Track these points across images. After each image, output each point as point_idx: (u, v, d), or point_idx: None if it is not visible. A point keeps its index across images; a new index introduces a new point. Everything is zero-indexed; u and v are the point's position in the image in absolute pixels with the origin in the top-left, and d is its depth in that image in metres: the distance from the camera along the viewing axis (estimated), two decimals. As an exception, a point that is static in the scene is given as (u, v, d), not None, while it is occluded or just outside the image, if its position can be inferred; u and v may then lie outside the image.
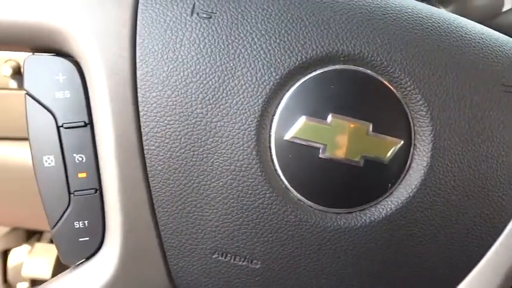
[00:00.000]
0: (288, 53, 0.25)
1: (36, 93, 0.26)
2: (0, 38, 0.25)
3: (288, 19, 0.26)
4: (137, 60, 0.25)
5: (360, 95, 0.26)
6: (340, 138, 0.25)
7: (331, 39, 0.25)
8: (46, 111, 0.26)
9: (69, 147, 0.26)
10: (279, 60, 0.25)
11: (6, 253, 0.93)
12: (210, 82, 0.25)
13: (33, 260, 0.89)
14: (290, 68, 0.25)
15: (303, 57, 0.25)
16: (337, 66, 0.26)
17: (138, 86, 0.25)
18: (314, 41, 0.25)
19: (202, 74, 0.25)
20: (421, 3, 0.29)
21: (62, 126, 0.26)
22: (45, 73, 0.26)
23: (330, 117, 0.25)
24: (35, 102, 0.26)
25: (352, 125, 0.25)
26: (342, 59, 0.26)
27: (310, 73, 0.25)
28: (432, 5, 0.31)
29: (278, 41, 0.25)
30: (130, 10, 0.25)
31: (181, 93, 0.25)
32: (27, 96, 0.26)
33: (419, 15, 0.27)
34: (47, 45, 0.26)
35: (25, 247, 0.93)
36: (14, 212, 0.76)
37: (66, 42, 0.25)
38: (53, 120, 0.26)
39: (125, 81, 0.25)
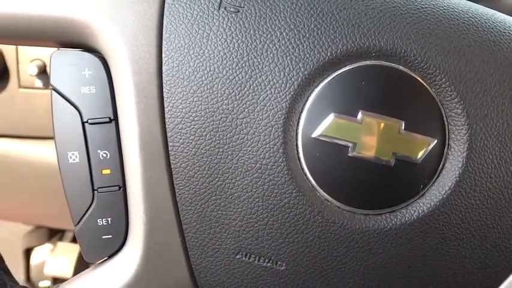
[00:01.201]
0: (317, 48, 0.24)
1: (62, 88, 0.26)
2: (27, 32, 0.25)
3: (317, 13, 0.25)
4: (163, 55, 0.25)
5: (391, 92, 0.25)
6: (370, 136, 0.24)
7: (363, 33, 0.25)
8: (71, 106, 0.26)
9: (93, 143, 0.26)
10: (307, 55, 0.24)
11: (29, 251, 0.94)
12: (237, 78, 0.25)
13: (55, 258, 0.90)
14: (319, 63, 0.24)
15: (333, 52, 0.24)
16: (368, 62, 0.25)
17: (164, 81, 0.25)
18: (344, 36, 0.25)
19: (229, 69, 0.25)
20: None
21: (87, 122, 0.25)
22: (71, 68, 0.26)
23: (360, 115, 0.24)
24: (60, 97, 0.26)
25: (383, 123, 0.24)
26: (374, 54, 0.25)
27: (340, 69, 0.25)
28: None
29: (307, 35, 0.25)
30: (157, 4, 0.25)
31: (207, 89, 0.25)
32: (53, 92, 0.26)
33: (455, 10, 0.26)
34: (73, 40, 0.26)
35: (47, 246, 0.94)
36: (36, 210, 0.77)
37: (93, 36, 0.25)
38: (78, 116, 0.26)
39: (150, 77, 0.25)
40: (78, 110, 0.26)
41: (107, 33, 0.25)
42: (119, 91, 0.25)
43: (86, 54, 0.26)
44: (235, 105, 0.25)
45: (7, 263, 0.31)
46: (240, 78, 0.25)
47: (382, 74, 0.25)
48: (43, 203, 0.70)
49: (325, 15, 0.25)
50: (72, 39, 0.26)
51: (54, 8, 0.25)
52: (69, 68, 0.26)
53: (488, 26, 0.26)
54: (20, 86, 0.58)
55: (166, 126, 0.25)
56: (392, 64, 0.25)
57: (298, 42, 0.25)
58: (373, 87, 0.25)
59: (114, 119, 0.26)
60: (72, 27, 0.25)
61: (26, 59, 0.57)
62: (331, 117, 0.24)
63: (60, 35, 0.25)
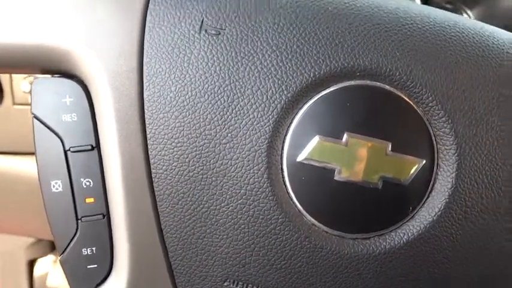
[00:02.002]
0: (300, 69, 0.24)
1: (43, 116, 0.25)
2: (6, 61, 0.25)
3: (300, 33, 0.24)
4: (144, 81, 0.24)
5: (377, 112, 0.24)
6: (356, 158, 0.24)
7: (346, 53, 0.24)
8: (53, 134, 0.25)
9: (76, 172, 0.25)
10: (290, 77, 0.24)
11: (32, 263, 0.95)
12: (219, 102, 0.24)
13: (57, 270, 0.90)
14: (302, 85, 0.24)
15: (316, 73, 0.24)
16: (352, 82, 0.24)
17: (146, 107, 0.24)
18: (328, 56, 0.24)
19: (211, 93, 0.24)
20: (443, 11, 0.27)
21: (69, 150, 0.25)
22: (52, 96, 0.25)
23: (345, 137, 0.24)
24: (42, 125, 0.25)
25: (369, 145, 0.24)
26: (358, 74, 0.24)
27: (323, 90, 0.24)
28: (457, 8, 0.29)
29: (290, 56, 0.24)
30: (137, 29, 0.25)
31: (189, 114, 0.24)
32: (35, 120, 0.25)
33: (442, 25, 0.25)
34: (54, 66, 0.25)
35: (50, 257, 0.94)
36: (38, 223, 0.77)
37: (73, 63, 0.25)
38: (61, 144, 0.25)
39: (131, 103, 0.24)
40: (60, 138, 0.25)
41: (86, 59, 0.24)
42: (100, 118, 0.25)
43: (66, 81, 0.25)
44: (218, 130, 0.24)
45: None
46: (222, 102, 0.24)
47: (367, 94, 0.24)
48: (42, 218, 0.70)
49: (307, 35, 0.24)
50: (52, 65, 0.25)
51: (33, 36, 0.25)
52: (49, 95, 0.25)
53: (476, 40, 0.25)
54: (14, 103, 0.58)
55: (149, 153, 0.25)
56: (378, 83, 0.24)
57: (280, 64, 0.24)
58: (358, 108, 0.24)
59: (97, 146, 0.25)
60: (52, 54, 0.25)
61: (19, 76, 0.56)
62: (315, 139, 0.24)
63: (40, 62, 0.25)
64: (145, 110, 0.24)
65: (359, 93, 0.24)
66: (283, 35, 0.24)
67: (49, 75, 0.26)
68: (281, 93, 0.24)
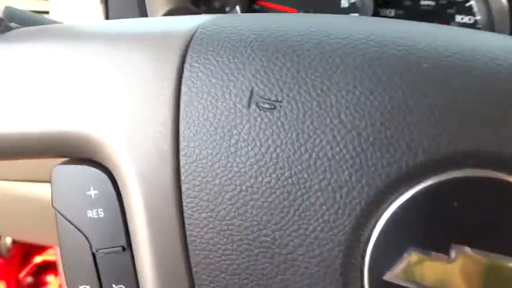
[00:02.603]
0: (386, 156, 0.17)
1: (66, 212, 0.21)
2: (25, 150, 0.21)
3: (385, 105, 0.18)
4: (181, 170, 0.19)
5: (499, 215, 0.17)
6: (468, 280, 0.17)
7: (454, 132, 0.17)
8: (79, 232, 0.21)
9: (106, 276, 0.21)
10: (373, 168, 0.18)
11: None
12: (277, 200, 0.18)
13: None
14: (390, 179, 0.17)
15: (409, 161, 0.17)
16: (462, 173, 0.17)
17: (184, 204, 0.19)
18: (426, 137, 0.17)
19: (265, 188, 0.18)
20: None
21: (97, 251, 0.21)
22: (75, 187, 0.21)
23: (453, 251, 0.17)
24: (66, 221, 0.21)
25: (488, 262, 0.17)
26: (471, 162, 0.17)
27: (419, 184, 0.17)
28: None
29: (371, 139, 0.18)
30: (171, 105, 0.19)
31: (239, 215, 0.19)
32: (58, 214, 0.21)
33: None
34: (76, 153, 0.21)
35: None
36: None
37: (97, 150, 0.20)
38: (87, 244, 0.21)
39: (167, 199, 0.19)
40: (86, 238, 0.21)
41: (109, 146, 0.20)
42: (130, 215, 0.20)
43: (90, 169, 0.21)
44: (276, 236, 0.18)
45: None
46: (282, 200, 0.18)
47: (485, 190, 0.17)
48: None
49: (395, 107, 0.18)
50: (73, 152, 0.21)
51: (53, 123, 0.20)
52: (71, 187, 0.21)
53: None
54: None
55: (191, 260, 0.19)
56: (500, 174, 0.17)
57: (358, 150, 0.18)
58: (472, 209, 0.17)
59: (129, 246, 0.21)
60: (74, 141, 0.20)
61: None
62: (409, 253, 0.17)
63: (60, 149, 0.21)
64: (184, 208, 0.19)
65: (473, 188, 0.17)
66: (361, 109, 0.18)
67: (68, 158, 0.21)
68: (361, 190, 0.18)
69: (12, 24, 0.23)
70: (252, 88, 0.19)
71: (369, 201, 0.18)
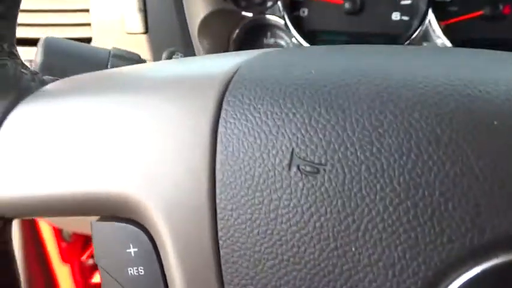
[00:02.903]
0: (447, 232, 0.15)
1: (108, 267, 0.21)
2: (68, 209, 0.21)
3: (446, 171, 0.15)
4: (219, 235, 0.18)
5: None
6: None
7: None
8: None
9: None
10: (431, 244, 0.15)
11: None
12: (321, 273, 0.17)
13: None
14: (451, 258, 0.15)
15: (475, 239, 0.15)
16: None
17: (223, 269, 0.18)
18: (495, 211, 0.15)
19: (309, 260, 0.17)
20: None
21: None
22: (115, 244, 0.20)
23: None
24: (109, 276, 0.21)
25: None
26: None
27: (483, 264, 0.15)
28: None
29: (429, 210, 0.15)
30: (206, 166, 0.18)
31: (280, 285, 0.17)
32: (101, 269, 0.21)
33: None
34: (116, 213, 0.20)
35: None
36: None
37: (135, 211, 0.20)
38: None
39: (206, 262, 0.18)
40: None
41: (145, 206, 0.19)
42: (169, 275, 0.20)
43: (129, 227, 0.20)
44: None
45: None
46: (326, 273, 0.17)
47: None
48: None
49: (458, 175, 0.15)
50: (113, 212, 0.20)
51: (93, 185, 0.20)
52: (112, 244, 0.20)
53: None
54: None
55: None
56: None
57: (414, 223, 0.16)
58: None
59: None
60: (113, 201, 0.20)
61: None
62: None
63: (100, 209, 0.20)
64: (223, 273, 0.18)
65: None
66: (418, 175, 0.16)
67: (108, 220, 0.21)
68: (416, 269, 0.16)
69: (46, 78, 0.23)
70: (293, 149, 0.17)
71: (425, 281, 0.16)
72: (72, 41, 0.34)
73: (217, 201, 0.18)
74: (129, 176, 0.19)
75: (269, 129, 0.18)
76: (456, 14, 0.54)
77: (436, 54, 0.20)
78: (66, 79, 0.23)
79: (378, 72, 0.18)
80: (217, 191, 0.18)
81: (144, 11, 0.47)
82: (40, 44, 0.32)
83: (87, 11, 0.50)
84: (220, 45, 0.51)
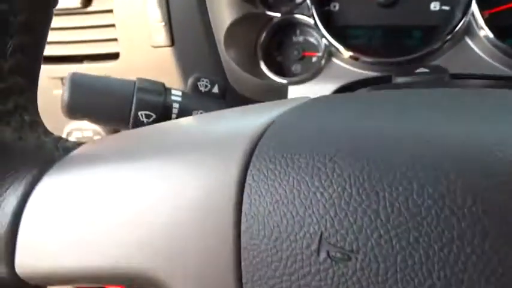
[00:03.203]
0: None
1: None
2: (98, 279, 0.21)
3: (495, 266, 0.14)
4: None
5: None
6: None
7: None
8: None
9: None
10: None
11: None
12: None
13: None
14: None
15: None
16: None
17: None
18: None
19: None
20: None
21: None
22: None
23: None
24: None
25: None
26: None
27: None
28: None
29: None
30: (231, 247, 0.17)
31: None
32: None
33: None
34: (140, 285, 0.20)
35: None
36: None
37: (160, 286, 0.19)
38: None
39: None
40: None
41: (172, 286, 0.19)
42: None
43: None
44: None
45: None
46: None
47: None
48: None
49: (509, 271, 0.14)
50: (137, 284, 0.20)
51: (124, 261, 0.19)
52: None
53: None
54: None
55: None
56: None
57: None
58: None
59: None
60: (137, 276, 0.19)
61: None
62: None
63: (124, 282, 0.20)
64: None
65: None
66: (461, 270, 0.14)
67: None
68: None
69: (69, 143, 0.22)
70: (321, 233, 0.16)
71: None
72: (97, 76, 0.33)
73: (243, 281, 0.17)
74: (152, 255, 0.19)
75: (295, 210, 0.16)
76: (500, 1, 0.50)
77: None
78: (90, 145, 0.22)
79: (417, 147, 0.16)
80: (243, 272, 0.17)
81: (169, 23, 0.46)
82: (66, 80, 0.32)
83: (114, 26, 0.49)
84: (247, 53, 0.50)
